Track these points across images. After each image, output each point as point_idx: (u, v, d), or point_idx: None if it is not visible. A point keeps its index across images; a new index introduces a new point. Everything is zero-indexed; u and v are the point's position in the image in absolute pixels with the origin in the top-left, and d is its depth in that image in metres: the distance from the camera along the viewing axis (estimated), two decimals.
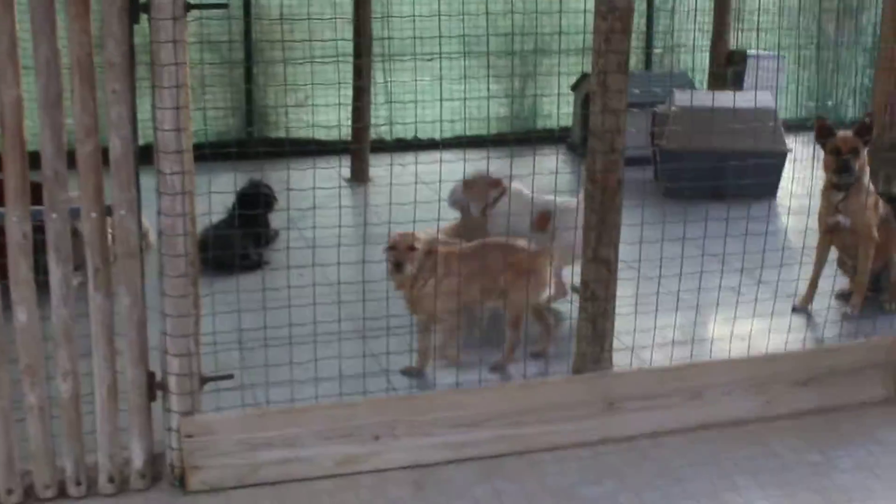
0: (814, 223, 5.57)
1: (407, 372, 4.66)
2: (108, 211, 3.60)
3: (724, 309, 4.81)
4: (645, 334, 4.58)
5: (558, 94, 9.78)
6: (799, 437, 4.34)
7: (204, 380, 3.87)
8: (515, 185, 5.72)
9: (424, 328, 4.69)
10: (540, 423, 4.17)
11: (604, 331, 4.29)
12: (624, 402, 4.26)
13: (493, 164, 4.84)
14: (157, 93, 3.49)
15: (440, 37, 4.27)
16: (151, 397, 3.83)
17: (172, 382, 3.78)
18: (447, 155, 4.41)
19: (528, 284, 4.60)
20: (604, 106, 4.03)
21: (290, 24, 9.57)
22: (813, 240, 5.63)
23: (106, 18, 3.42)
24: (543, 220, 5.66)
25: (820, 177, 5.49)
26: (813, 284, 5.65)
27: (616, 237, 4.19)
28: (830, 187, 5.51)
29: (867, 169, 5.49)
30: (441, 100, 4.27)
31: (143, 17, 3.47)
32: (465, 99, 4.54)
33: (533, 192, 5.19)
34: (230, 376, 3.94)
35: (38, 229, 3.55)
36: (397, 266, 4.52)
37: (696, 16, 9.95)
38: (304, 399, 3.99)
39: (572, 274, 5.35)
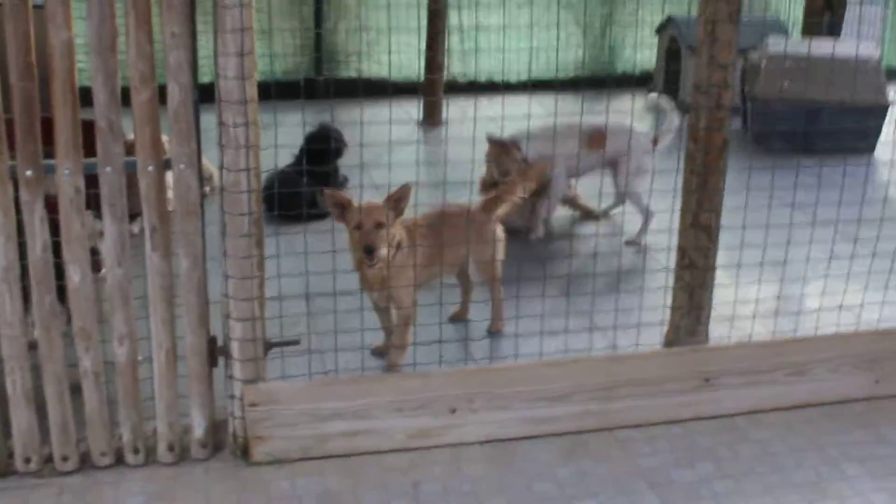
0: None
1: (378, 352, 4.26)
2: (166, 164, 3.31)
3: (831, 279, 4.42)
4: (745, 305, 4.21)
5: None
6: None
7: (269, 345, 3.61)
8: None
9: (384, 308, 4.22)
10: (629, 399, 3.85)
11: (701, 302, 3.93)
12: (720, 378, 3.93)
13: (568, 107, 4.44)
14: (219, 37, 3.18)
15: None
16: (213, 363, 3.58)
17: (235, 348, 3.52)
18: (522, 98, 4.08)
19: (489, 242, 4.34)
20: (711, 58, 3.64)
21: None
22: None
23: None
24: (597, 139, 5.52)
25: None
26: None
27: (719, 202, 3.82)
28: None
29: None
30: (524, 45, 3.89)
31: None
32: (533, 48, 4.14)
33: None
34: (297, 342, 3.67)
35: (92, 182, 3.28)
36: (369, 252, 3.87)
37: None
38: (375, 368, 3.70)
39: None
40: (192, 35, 3.21)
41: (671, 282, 3.99)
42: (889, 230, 4.30)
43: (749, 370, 3.96)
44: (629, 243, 5.65)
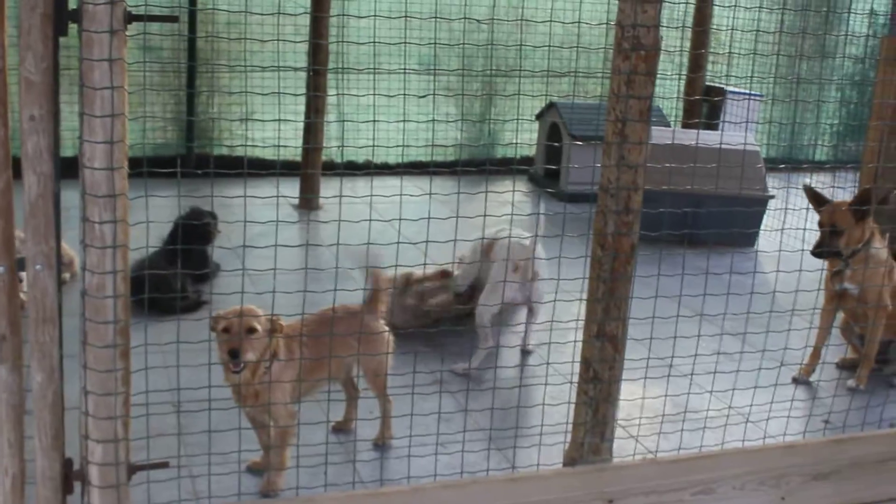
0: (799, 282, 4.93)
1: (256, 468, 3.85)
2: (19, 265, 2.90)
3: (719, 380, 4.22)
4: (637, 409, 4.00)
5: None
6: None
7: (133, 469, 3.18)
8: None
9: (261, 424, 3.80)
10: None
11: (606, 417, 3.68)
12: (625, 499, 3.66)
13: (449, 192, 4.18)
14: (85, 123, 2.81)
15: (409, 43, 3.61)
16: (67, 490, 3.13)
17: (94, 473, 3.08)
18: (403, 182, 3.89)
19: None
20: (620, 159, 3.42)
21: (239, 34, 8.91)
22: (802, 301, 4.70)
23: (24, 27, 2.72)
24: (488, 251, 5.43)
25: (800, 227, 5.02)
26: (816, 354, 5.14)
27: (626, 310, 3.59)
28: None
29: (875, 234, 4.98)
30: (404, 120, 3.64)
31: (73, 27, 2.79)
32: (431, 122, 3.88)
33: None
34: (165, 465, 3.24)
35: None
36: (233, 356, 3.51)
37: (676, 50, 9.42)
38: (251, 494, 3.32)
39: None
40: (55, 118, 2.83)
41: (573, 396, 3.73)
42: (763, 322, 4.13)
43: (655, 489, 3.71)
44: (455, 372, 4.97)
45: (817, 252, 4.92)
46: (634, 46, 3.33)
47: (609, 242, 3.51)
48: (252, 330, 3.51)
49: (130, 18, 2.78)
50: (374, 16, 3.94)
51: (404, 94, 3.67)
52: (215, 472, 3.33)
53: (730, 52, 9.02)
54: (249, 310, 3.54)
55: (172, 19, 2.93)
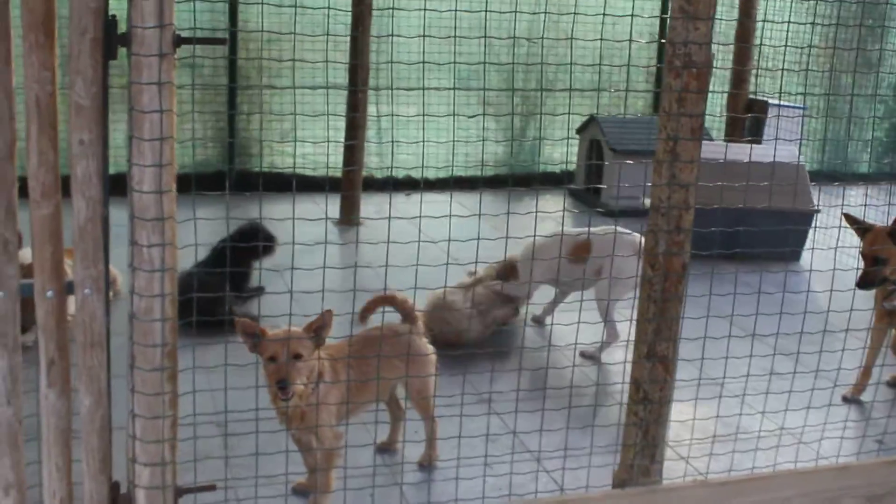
0: (853, 301, 4.78)
1: (301, 489, 3.80)
2: (68, 289, 2.90)
3: (770, 400, 4.14)
4: (687, 430, 3.94)
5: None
6: None
7: (180, 492, 3.17)
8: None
9: (307, 446, 3.70)
10: None
11: (656, 439, 3.62)
12: None
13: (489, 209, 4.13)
14: (134, 146, 2.81)
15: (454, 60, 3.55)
16: None
17: (141, 496, 3.07)
18: (442, 197, 3.87)
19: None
20: (672, 177, 3.37)
21: (279, 51, 8.94)
22: (854, 318, 4.42)
23: (73, 51, 2.73)
24: (580, 250, 5.41)
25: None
26: (867, 373, 5.03)
27: (676, 331, 3.53)
28: None
29: None
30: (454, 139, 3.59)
31: (122, 50, 2.79)
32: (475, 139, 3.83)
33: None
34: (212, 487, 3.23)
35: None
36: (282, 386, 3.41)
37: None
38: None
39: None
40: (104, 143, 2.83)
41: (623, 417, 3.67)
42: (814, 339, 4.05)
43: None
44: (584, 355, 5.19)
45: (863, 284, 4.80)
46: (686, 64, 3.28)
47: (660, 262, 3.46)
48: (298, 356, 3.47)
49: (179, 41, 2.77)
50: (424, 35, 3.91)
51: (454, 115, 3.64)
52: (261, 495, 3.32)
53: (778, 69, 8.92)
54: (294, 333, 3.50)
55: (220, 42, 2.93)
